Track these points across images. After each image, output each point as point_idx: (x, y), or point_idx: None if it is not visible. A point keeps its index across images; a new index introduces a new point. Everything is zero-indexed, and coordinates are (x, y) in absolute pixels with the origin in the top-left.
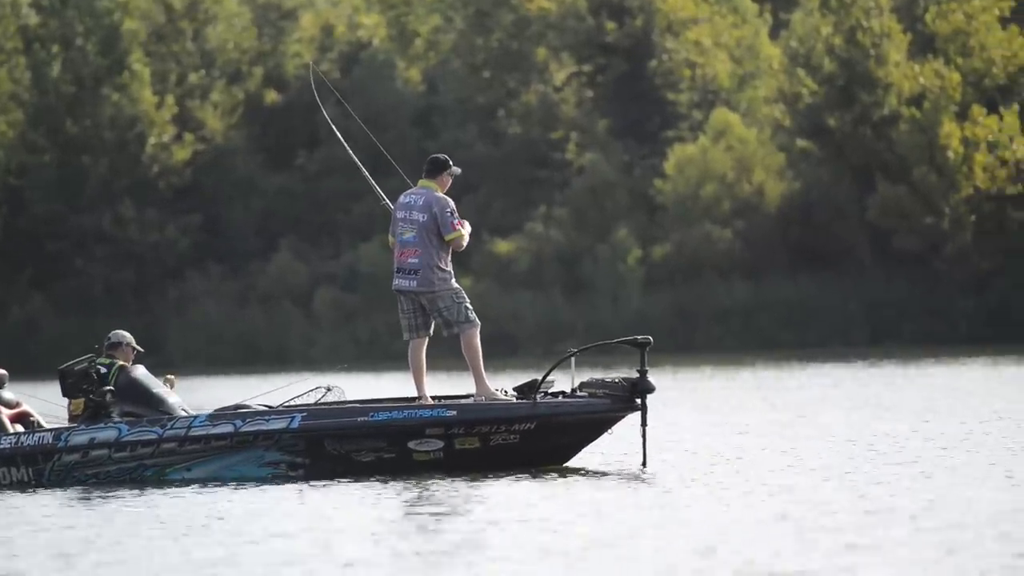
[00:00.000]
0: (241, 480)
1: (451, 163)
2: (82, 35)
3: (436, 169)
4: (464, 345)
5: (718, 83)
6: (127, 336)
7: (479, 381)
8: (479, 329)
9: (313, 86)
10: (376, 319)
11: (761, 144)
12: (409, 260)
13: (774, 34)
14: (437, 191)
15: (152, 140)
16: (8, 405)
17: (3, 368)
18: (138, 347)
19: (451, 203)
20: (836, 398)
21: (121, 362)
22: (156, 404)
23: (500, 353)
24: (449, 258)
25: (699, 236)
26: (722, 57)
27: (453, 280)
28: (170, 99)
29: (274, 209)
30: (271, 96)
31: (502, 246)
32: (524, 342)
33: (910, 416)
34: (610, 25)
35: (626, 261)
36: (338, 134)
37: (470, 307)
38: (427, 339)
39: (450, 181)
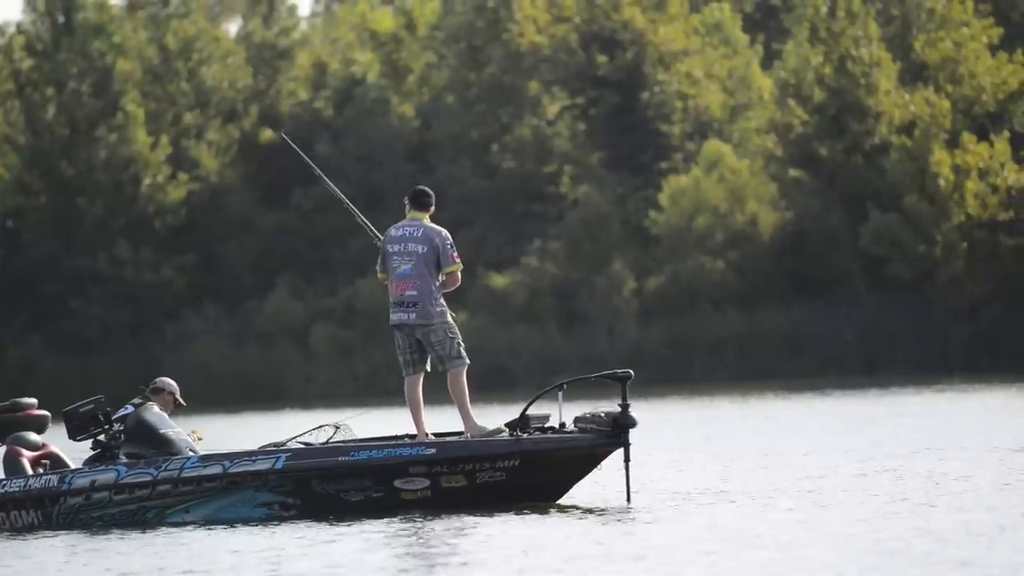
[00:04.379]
0: (237, 521)
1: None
2: (75, 77)
3: (430, 201)
4: (450, 381)
5: (710, 114)
6: (172, 384)
7: (466, 418)
8: (466, 367)
9: (298, 148)
10: (374, 354)
11: (753, 174)
12: (407, 293)
13: (766, 65)
14: (429, 223)
15: (147, 180)
16: (33, 447)
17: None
18: (181, 400)
19: (447, 234)
20: (825, 432)
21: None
22: (163, 445)
23: (496, 387)
24: (441, 292)
25: (693, 267)
26: (714, 88)
27: (448, 314)
28: (165, 139)
29: (270, 247)
30: (266, 134)
31: (497, 280)
32: (520, 376)
33: (886, 449)
34: (601, 58)
35: (621, 293)
36: (326, 181)
37: (462, 343)
38: (423, 375)
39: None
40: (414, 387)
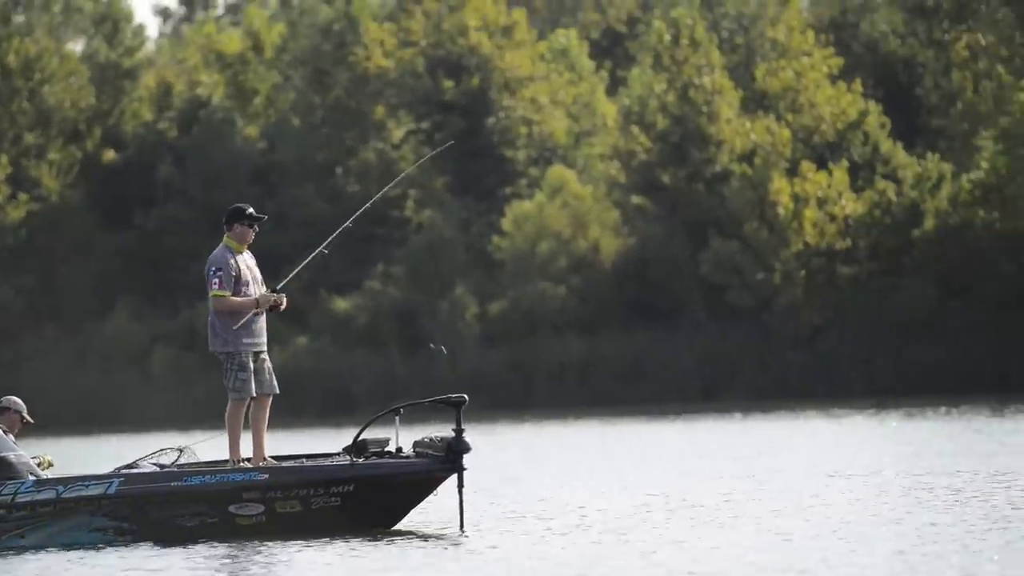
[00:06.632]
0: (73, 546)
1: (245, 211)
2: None
3: (226, 221)
4: (227, 411)
5: (554, 140)
6: (18, 403)
7: (231, 449)
8: (246, 402)
9: None
10: (214, 378)
11: (597, 200)
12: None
13: (611, 91)
14: (232, 246)
15: None
16: None
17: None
18: (28, 418)
19: (217, 261)
20: (660, 458)
21: None
22: (2, 468)
23: (337, 411)
24: (241, 319)
25: (535, 293)
26: (559, 114)
27: (239, 342)
28: (4, 159)
29: (111, 268)
30: (109, 155)
31: (340, 303)
32: (361, 400)
33: (715, 472)
34: (447, 83)
35: (463, 317)
36: None
37: (243, 376)
38: (249, 400)
39: (250, 231)
40: (256, 411)
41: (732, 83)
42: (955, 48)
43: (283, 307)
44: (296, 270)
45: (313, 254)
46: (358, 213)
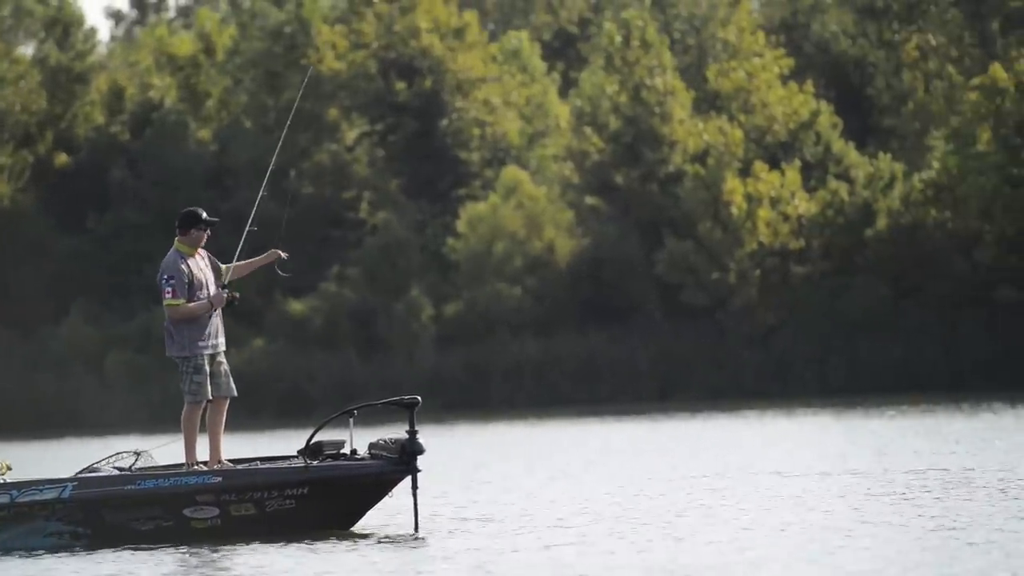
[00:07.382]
0: (28, 551)
1: (200, 215)
2: None
3: (180, 226)
4: (183, 414)
5: (508, 141)
6: None
7: (187, 452)
8: (202, 405)
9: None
10: (170, 381)
11: (551, 201)
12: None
13: (564, 92)
14: (184, 250)
15: None
16: None
17: None
18: None
19: (169, 268)
20: (613, 458)
21: None
22: None
23: (294, 413)
24: (200, 324)
25: (491, 293)
26: (511, 116)
27: (195, 345)
28: None
29: (65, 272)
30: (61, 159)
31: (295, 306)
32: (318, 401)
33: (669, 473)
34: (400, 85)
35: (419, 319)
36: None
37: (199, 380)
38: (205, 403)
39: (204, 235)
40: (213, 414)
41: (684, 84)
42: (905, 48)
43: (276, 261)
44: (236, 256)
45: (243, 235)
46: (267, 177)
